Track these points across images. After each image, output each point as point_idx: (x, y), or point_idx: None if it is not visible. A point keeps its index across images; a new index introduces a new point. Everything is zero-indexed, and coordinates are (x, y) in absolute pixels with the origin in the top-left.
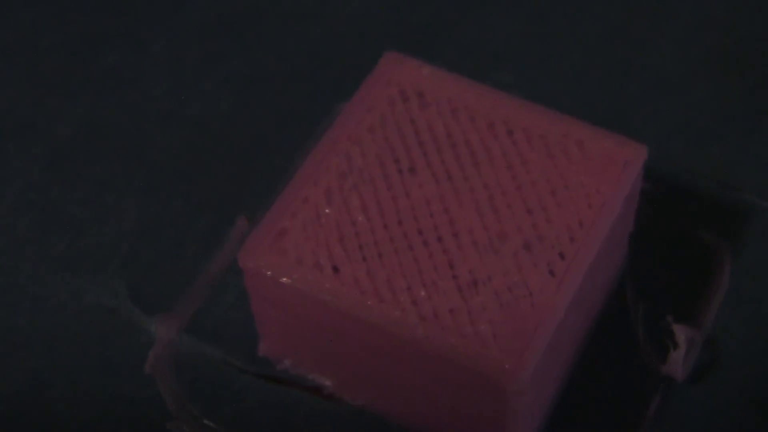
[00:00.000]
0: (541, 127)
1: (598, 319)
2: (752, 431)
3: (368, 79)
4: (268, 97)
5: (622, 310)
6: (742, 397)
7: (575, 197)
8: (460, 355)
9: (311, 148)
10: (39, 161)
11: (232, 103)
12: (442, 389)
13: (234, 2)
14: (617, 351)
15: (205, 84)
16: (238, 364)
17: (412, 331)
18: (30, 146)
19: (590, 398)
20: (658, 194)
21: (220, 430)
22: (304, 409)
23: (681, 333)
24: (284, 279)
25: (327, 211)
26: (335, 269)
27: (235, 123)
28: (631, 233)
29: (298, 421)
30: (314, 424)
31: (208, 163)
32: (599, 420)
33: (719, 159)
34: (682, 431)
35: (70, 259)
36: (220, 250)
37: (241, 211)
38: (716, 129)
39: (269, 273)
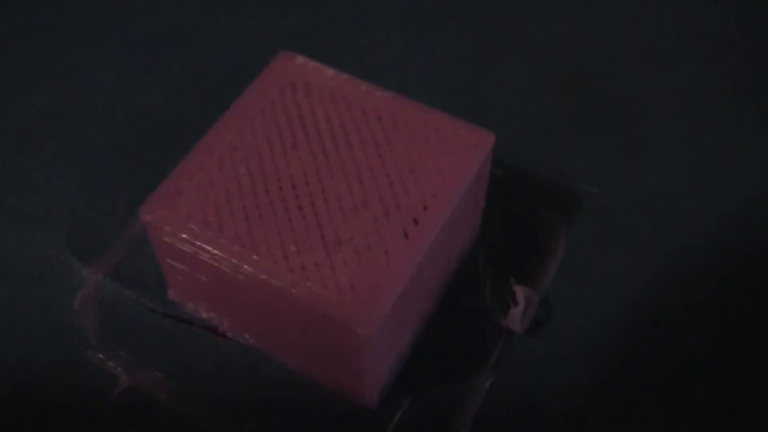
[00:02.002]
0: (406, 115)
1: (451, 279)
2: (576, 375)
3: (264, 71)
4: (193, 95)
5: (473, 273)
6: (569, 348)
7: (431, 174)
8: (322, 302)
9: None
10: (9, 133)
11: (162, 95)
12: (309, 332)
13: (173, 16)
14: (466, 307)
15: (144, 79)
16: (150, 306)
17: (282, 280)
18: (3, 120)
19: (442, 346)
20: (508, 179)
21: (130, 359)
22: (202, 344)
23: (521, 293)
24: (178, 233)
25: (218, 177)
26: (221, 226)
27: (165, 113)
28: (483, 209)
29: (197, 353)
30: (209, 357)
31: (141, 143)
32: (449, 363)
33: (558, 152)
34: (518, 376)
35: (22, 213)
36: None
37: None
38: (556, 129)
39: (165, 227)
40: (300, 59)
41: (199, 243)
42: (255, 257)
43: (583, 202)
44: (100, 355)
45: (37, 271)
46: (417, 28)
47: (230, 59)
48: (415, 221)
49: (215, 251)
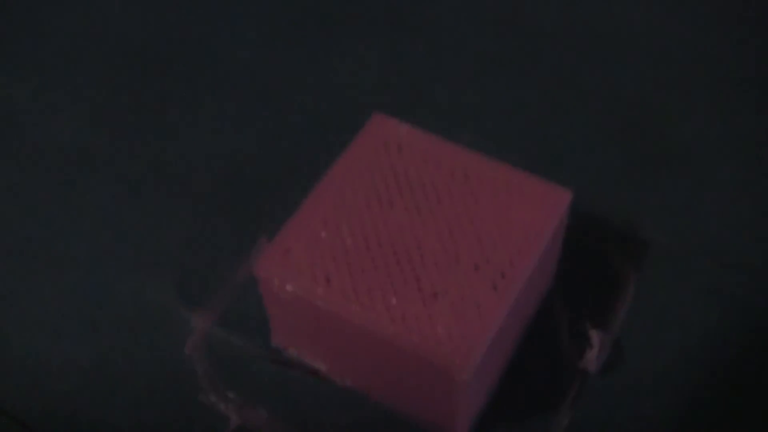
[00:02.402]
0: (489, 174)
1: (531, 325)
2: (647, 413)
3: (359, 134)
4: (287, 146)
5: (550, 318)
6: (640, 386)
7: (515, 230)
8: (421, 350)
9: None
10: (117, 184)
11: (260, 149)
12: (407, 376)
13: (264, 71)
14: (545, 350)
15: (240, 133)
16: (255, 351)
17: (385, 330)
18: (110, 177)
19: (523, 388)
20: (580, 228)
21: (239, 400)
22: (304, 386)
23: (595, 336)
24: (288, 286)
25: (323, 234)
26: (327, 280)
27: (262, 165)
28: (558, 258)
29: (299, 395)
30: (311, 399)
31: (241, 194)
32: (531, 402)
33: (627, 203)
34: (594, 414)
35: (132, 263)
36: (245, 262)
37: (263, 233)
38: (624, 178)
39: (277, 281)
40: (393, 122)
41: (308, 296)
42: (359, 309)
43: (651, 249)
44: (211, 397)
45: (148, 318)
46: (491, 79)
47: (318, 112)
48: (503, 275)
49: (323, 304)
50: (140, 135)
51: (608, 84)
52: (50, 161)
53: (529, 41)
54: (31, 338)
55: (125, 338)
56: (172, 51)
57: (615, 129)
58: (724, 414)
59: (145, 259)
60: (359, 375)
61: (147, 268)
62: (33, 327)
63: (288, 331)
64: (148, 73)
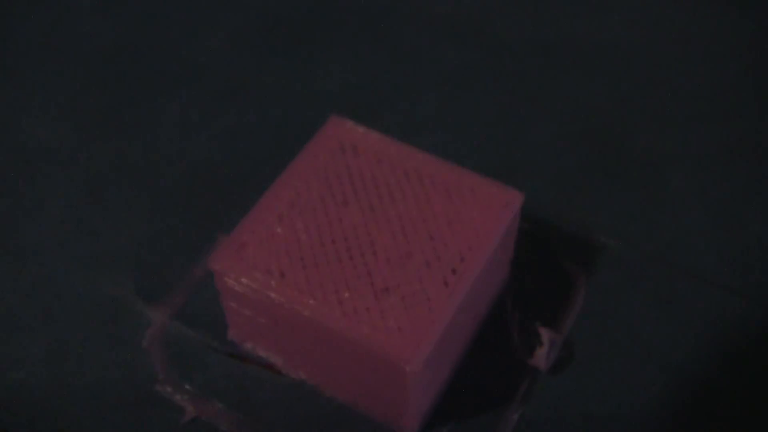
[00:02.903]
0: (443, 176)
1: (483, 323)
2: (596, 410)
3: (316, 135)
4: (247, 148)
5: (502, 317)
6: (589, 384)
7: (466, 229)
8: (372, 342)
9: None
10: (77, 184)
11: (221, 151)
12: (359, 369)
13: (226, 75)
14: (497, 347)
15: (201, 135)
16: (211, 344)
17: (337, 322)
18: (72, 173)
19: (475, 381)
20: (534, 232)
21: (195, 392)
22: (259, 380)
23: (545, 334)
24: (243, 279)
25: (278, 230)
26: (281, 274)
27: (223, 165)
28: (511, 259)
29: (254, 388)
30: (266, 392)
31: (201, 193)
32: (482, 397)
33: (581, 206)
34: (543, 409)
35: (93, 259)
36: (202, 258)
37: (221, 231)
38: (580, 184)
39: (231, 275)
40: (349, 124)
41: (262, 290)
42: (312, 302)
43: (604, 253)
44: (168, 389)
45: (106, 312)
46: (452, 89)
47: (280, 116)
48: (454, 271)
49: (277, 297)
50: (103, 134)
51: (567, 94)
52: (12, 156)
53: (493, 53)
54: None
55: (82, 330)
56: (138, 54)
57: (573, 138)
58: (670, 414)
59: (104, 254)
60: (313, 369)
61: (105, 264)
62: None
63: (244, 325)
64: (113, 74)
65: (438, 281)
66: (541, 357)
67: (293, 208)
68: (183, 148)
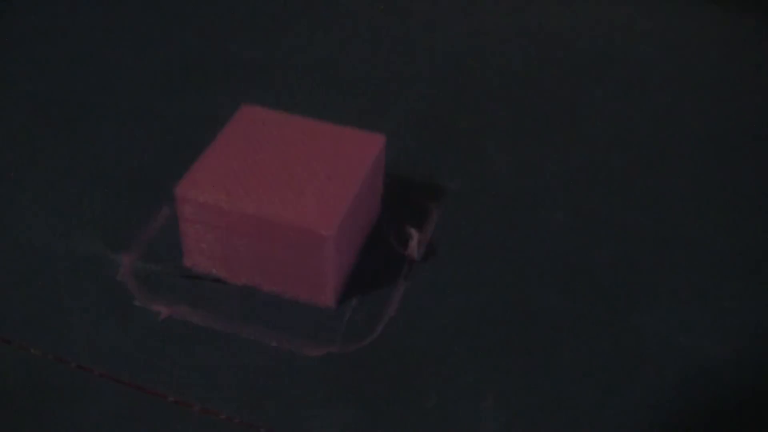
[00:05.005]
0: (327, 133)
1: (367, 236)
2: (452, 284)
3: (233, 118)
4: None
5: (380, 233)
6: (448, 270)
7: (352, 157)
8: (296, 220)
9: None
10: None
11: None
12: (287, 251)
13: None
14: (380, 248)
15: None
16: (171, 271)
17: (270, 213)
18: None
19: (369, 269)
20: (396, 177)
21: (165, 301)
22: (210, 289)
23: (413, 232)
24: (200, 198)
25: (220, 168)
26: (227, 192)
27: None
28: (381, 195)
29: (208, 295)
30: (216, 296)
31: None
32: (376, 280)
33: (435, 158)
34: (418, 287)
35: (66, 227)
36: (155, 216)
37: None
38: (434, 141)
39: (192, 195)
40: (257, 108)
41: (215, 203)
42: (251, 203)
43: (446, 192)
44: (144, 302)
45: (87, 262)
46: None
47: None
48: (347, 180)
49: (226, 205)
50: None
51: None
52: None
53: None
54: None
55: (69, 276)
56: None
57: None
58: (505, 309)
59: (76, 224)
60: (250, 272)
61: (78, 231)
62: None
63: (197, 249)
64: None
65: (337, 185)
66: (413, 248)
67: (229, 155)
68: (126, 152)
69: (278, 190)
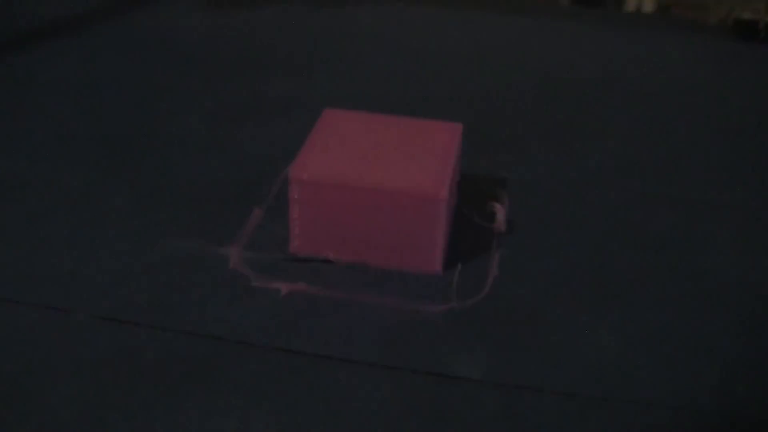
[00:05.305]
0: (409, 124)
1: (455, 215)
2: (538, 249)
3: (318, 121)
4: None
5: (463, 213)
6: (531, 239)
7: (436, 142)
8: (410, 189)
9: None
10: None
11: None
12: (399, 221)
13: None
14: (464, 224)
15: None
16: (277, 257)
17: (384, 185)
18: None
19: (464, 240)
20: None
21: (277, 280)
22: (320, 269)
23: (497, 209)
24: (315, 177)
25: (327, 154)
26: (341, 173)
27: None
28: (458, 182)
29: (318, 273)
30: (327, 275)
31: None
32: (472, 248)
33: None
34: (512, 253)
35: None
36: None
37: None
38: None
39: (306, 175)
40: (341, 111)
41: (329, 181)
42: (366, 179)
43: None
44: (263, 282)
45: (198, 255)
46: None
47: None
48: (442, 159)
49: (341, 181)
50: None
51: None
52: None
53: None
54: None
55: (185, 271)
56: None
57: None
58: (591, 266)
59: (176, 231)
60: (358, 249)
61: (179, 235)
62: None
63: (305, 232)
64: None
65: (434, 160)
66: (501, 222)
67: (331, 143)
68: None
69: (383, 167)
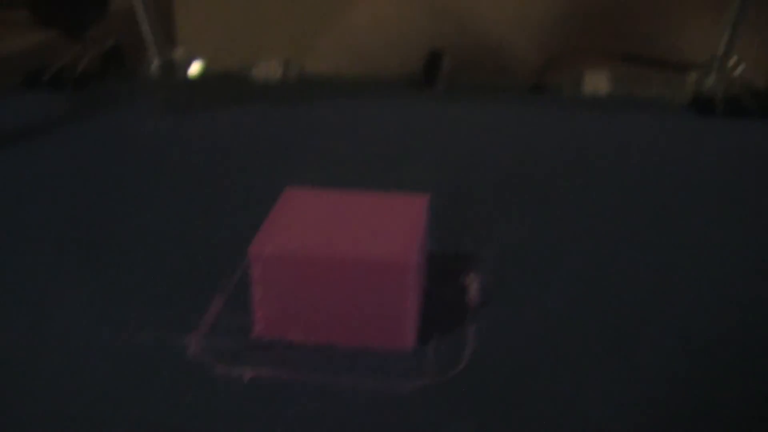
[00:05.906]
0: (374, 198)
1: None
2: (522, 318)
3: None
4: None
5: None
6: (506, 312)
7: (402, 214)
8: (375, 259)
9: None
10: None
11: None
12: (365, 292)
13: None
14: (434, 296)
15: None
16: (242, 346)
17: (349, 256)
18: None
19: (434, 314)
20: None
21: (240, 366)
22: (285, 353)
23: (470, 279)
24: (277, 251)
25: (288, 230)
26: (303, 246)
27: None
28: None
29: (283, 357)
30: (293, 358)
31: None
32: (442, 326)
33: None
34: (488, 323)
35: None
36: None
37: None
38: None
39: (267, 251)
40: (303, 191)
41: (291, 256)
42: (329, 251)
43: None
44: (226, 368)
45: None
46: None
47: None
48: (407, 232)
49: (303, 256)
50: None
51: None
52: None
53: None
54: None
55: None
56: None
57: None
58: (565, 329)
59: (135, 316)
60: (325, 328)
61: (136, 322)
62: None
63: (269, 314)
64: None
65: (400, 230)
66: (474, 293)
67: (292, 219)
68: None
69: (348, 239)
